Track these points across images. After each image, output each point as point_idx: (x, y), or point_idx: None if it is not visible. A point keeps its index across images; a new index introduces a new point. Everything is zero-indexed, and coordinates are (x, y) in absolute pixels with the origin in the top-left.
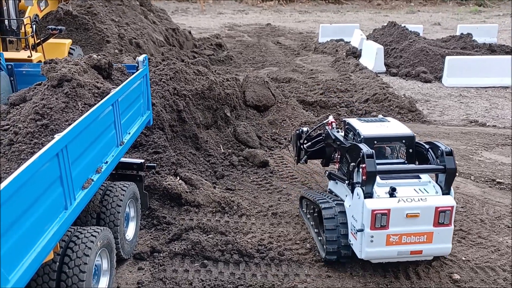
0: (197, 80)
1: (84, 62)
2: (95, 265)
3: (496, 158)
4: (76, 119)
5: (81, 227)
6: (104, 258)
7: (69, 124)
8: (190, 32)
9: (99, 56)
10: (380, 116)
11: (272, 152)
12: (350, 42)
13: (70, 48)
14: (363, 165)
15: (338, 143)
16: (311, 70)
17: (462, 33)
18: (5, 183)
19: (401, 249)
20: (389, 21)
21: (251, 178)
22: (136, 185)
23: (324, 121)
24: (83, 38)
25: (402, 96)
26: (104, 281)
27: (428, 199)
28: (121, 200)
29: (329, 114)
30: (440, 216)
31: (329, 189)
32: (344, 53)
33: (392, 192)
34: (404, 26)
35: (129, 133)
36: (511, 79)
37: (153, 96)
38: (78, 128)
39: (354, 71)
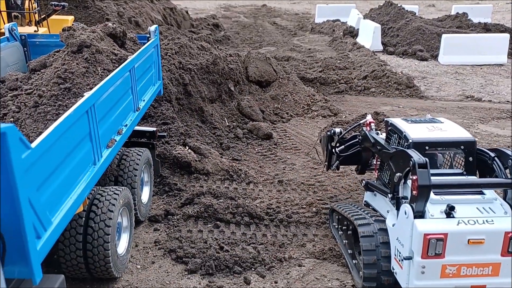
0: (201, 55)
1: (101, 30)
2: (117, 223)
3: (491, 131)
4: (97, 83)
5: (103, 187)
6: (125, 216)
7: (91, 88)
8: (187, 12)
9: (114, 25)
10: (429, 115)
11: (275, 126)
12: (346, 22)
13: (72, 24)
14: (414, 177)
15: (378, 147)
16: (309, 49)
17: (457, 13)
18: (49, 130)
19: (460, 283)
20: (386, 1)
21: (256, 149)
22: (149, 152)
23: (361, 121)
24: (83, 16)
25: (400, 73)
26: (125, 237)
27: (495, 221)
28: (137, 164)
29: (367, 114)
30: (511, 244)
31: (365, 201)
32: (342, 33)
33: (449, 212)
34: (401, 6)
35: (144, 100)
36: (506, 57)
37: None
38: (103, 89)
39: (351, 50)
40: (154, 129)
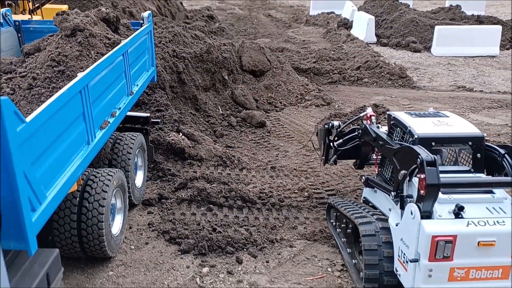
0: (195, 43)
1: (94, 15)
2: (111, 204)
3: (482, 119)
4: (91, 66)
5: (97, 169)
6: (118, 197)
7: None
8: (181, 3)
9: (107, 10)
10: (431, 109)
11: (268, 115)
12: (341, 14)
13: None
14: (422, 176)
15: (380, 142)
16: (303, 40)
17: (451, 5)
18: (43, 106)
19: (468, 287)
20: None
21: (249, 137)
22: (143, 137)
23: (361, 114)
24: (77, 6)
25: (393, 64)
26: (119, 218)
27: (506, 222)
28: (131, 148)
29: (367, 106)
30: None
31: (364, 197)
32: (336, 25)
33: (458, 212)
34: None
35: (137, 85)
36: (498, 49)
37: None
38: (97, 71)
39: (345, 41)
40: (148, 114)
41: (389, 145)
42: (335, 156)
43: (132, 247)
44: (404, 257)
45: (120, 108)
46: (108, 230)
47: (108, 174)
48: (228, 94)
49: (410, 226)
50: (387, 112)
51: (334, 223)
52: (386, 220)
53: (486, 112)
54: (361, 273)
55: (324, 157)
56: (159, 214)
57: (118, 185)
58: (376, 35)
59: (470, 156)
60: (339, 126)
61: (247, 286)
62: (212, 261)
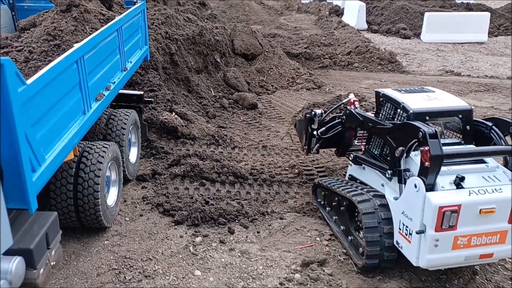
0: (187, 26)
1: None
2: (106, 176)
3: (469, 102)
4: (86, 39)
5: (92, 142)
6: (113, 170)
7: None
8: None
9: None
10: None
11: (260, 97)
12: (332, 2)
13: None
14: (426, 148)
15: (370, 124)
16: (295, 27)
17: None
18: (41, 72)
19: (470, 254)
20: None
21: (241, 118)
22: (136, 114)
23: (344, 100)
24: None
25: (383, 49)
26: (114, 190)
27: (503, 189)
28: (125, 124)
29: (349, 92)
30: None
31: (349, 175)
32: (327, 12)
33: (459, 182)
34: None
35: (131, 62)
36: (487, 35)
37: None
38: (92, 43)
39: (337, 28)
40: (141, 92)
41: (381, 125)
42: (317, 144)
43: (127, 218)
44: (407, 230)
45: (114, 83)
46: (104, 201)
47: (104, 147)
48: (220, 77)
49: (414, 199)
50: (375, 90)
51: (322, 202)
52: (383, 197)
53: (473, 95)
54: (361, 249)
55: (306, 147)
56: (153, 189)
57: (113, 158)
58: (367, 22)
59: (460, 129)
60: (321, 114)
61: (239, 254)
62: (205, 231)
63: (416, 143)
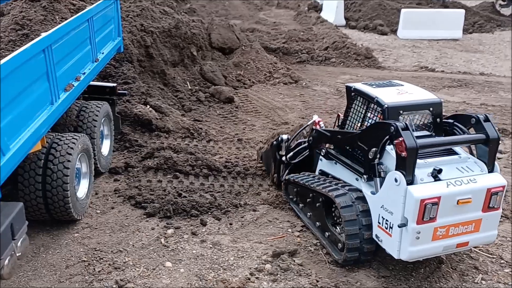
0: (163, 19)
1: None
2: (76, 168)
3: (442, 97)
4: (55, 28)
5: (62, 134)
6: (84, 162)
7: None
8: None
9: None
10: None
11: (237, 91)
12: None
13: None
14: (400, 139)
15: (339, 136)
16: (274, 22)
17: None
18: (6, 58)
19: (448, 243)
20: None
21: (218, 112)
22: (109, 106)
23: (309, 123)
24: None
25: (361, 45)
26: (84, 182)
27: (477, 179)
28: (97, 116)
29: (312, 114)
30: (492, 199)
31: (320, 170)
32: (306, 8)
33: (436, 175)
34: None
35: (103, 53)
36: (461, 32)
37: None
38: (60, 32)
39: (315, 23)
40: (114, 84)
41: (350, 134)
42: (286, 171)
43: (98, 211)
44: (387, 223)
45: (84, 73)
46: (73, 193)
47: (73, 138)
48: (196, 70)
49: (394, 193)
50: (346, 84)
51: (295, 199)
52: (358, 190)
53: (446, 90)
54: (340, 244)
55: (276, 175)
56: (126, 182)
57: (83, 150)
58: (345, 18)
59: (431, 121)
60: (288, 139)
61: (211, 245)
62: (177, 223)
63: (388, 141)
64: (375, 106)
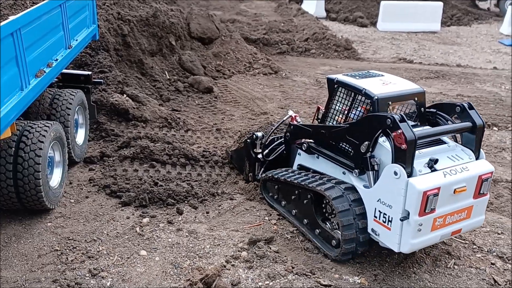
0: (141, 7)
1: None
2: (49, 157)
3: None
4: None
5: (33, 121)
6: (57, 151)
7: None
8: None
9: None
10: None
11: (216, 81)
12: None
13: None
14: (399, 131)
15: (323, 131)
16: (255, 13)
17: None
18: None
19: (444, 232)
20: None
21: (196, 102)
22: (83, 94)
23: (285, 118)
24: None
25: (340, 37)
26: (57, 171)
27: (469, 167)
28: (70, 104)
29: (287, 110)
30: (483, 186)
31: (299, 164)
32: None
33: (432, 165)
34: None
35: (76, 40)
36: (439, 25)
37: (97, 19)
38: (31, 16)
39: (296, 15)
40: (89, 73)
41: (336, 128)
42: (262, 169)
43: (72, 200)
44: (385, 217)
45: (57, 60)
46: (46, 181)
47: (45, 126)
48: (175, 60)
49: (393, 186)
50: (327, 77)
51: (276, 196)
52: (344, 182)
53: (424, 82)
54: (334, 241)
55: (251, 174)
56: (101, 171)
57: (56, 138)
58: (326, 10)
59: (415, 111)
60: (263, 136)
61: (187, 234)
62: (153, 212)
63: (381, 133)
64: (363, 98)
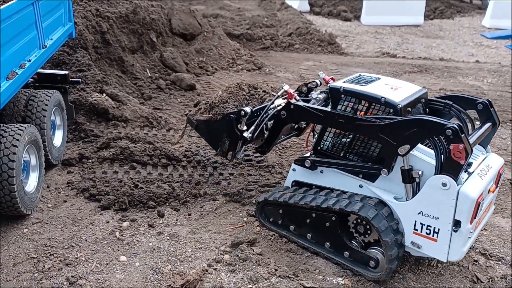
0: (120, 3)
1: None
2: (24, 161)
3: None
4: None
5: (6, 125)
6: (32, 154)
7: None
8: None
9: None
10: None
11: (199, 78)
12: None
13: None
14: (461, 146)
15: (342, 120)
16: (238, 8)
17: None
18: None
19: (477, 233)
20: None
21: (179, 99)
22: (60, 95)
23: (279, 93)
24: None
25: (324, 31)
26: (34, 176)
27: (490, 163)
28: (46, 105)
29: (282, 86)
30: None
31: (294, 181)
32: None
33: (467, 169)
34: None
35: (51, 39)
36: (423, 18)
37: (75, 16)
38: (0, 16)
39: (280, 9)
40: (66, 72)
41: (369, 122)
42: (243, 147)
43: (49, 205)
44: (429, 229)
45: (30, 61)
46: (21, 187)
47: (19, 129)
48: (156, 57)
49: (440, 197)
50: (330, 86)
51: (280, 221)
52: (368, 197)
53: (407, 76)
54: (372, 262)
55: (231, 152)
56: (79, 173)
57: (31, 141)
58: (310, 3)
59: (421, 112)
60: (251, 111)
61: (168, 237)
62: (133, 215)
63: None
64: (382, 107)
